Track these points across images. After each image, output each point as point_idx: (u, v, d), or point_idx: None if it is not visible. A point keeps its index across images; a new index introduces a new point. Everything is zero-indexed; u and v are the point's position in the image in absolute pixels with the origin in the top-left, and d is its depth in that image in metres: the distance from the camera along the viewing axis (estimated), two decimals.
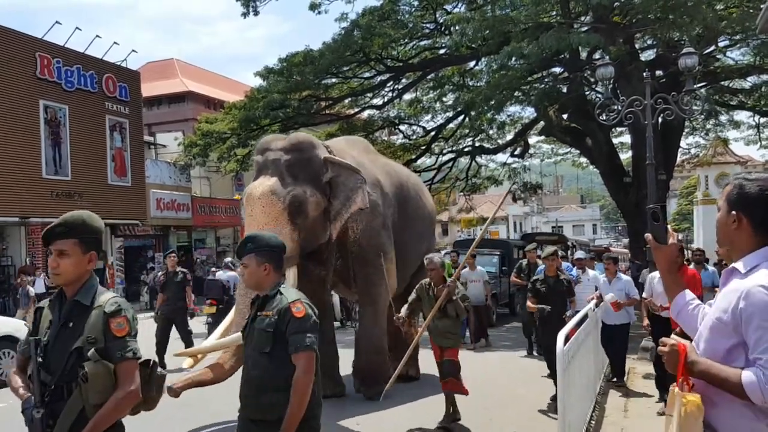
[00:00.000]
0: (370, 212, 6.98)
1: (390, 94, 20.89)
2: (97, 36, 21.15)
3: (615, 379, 8.12)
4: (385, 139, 25.64)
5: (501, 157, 24.83)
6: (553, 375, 6.49)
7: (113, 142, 21.08)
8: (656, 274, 7.12)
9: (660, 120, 12.79)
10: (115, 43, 21.97)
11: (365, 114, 22.31)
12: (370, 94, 20.54)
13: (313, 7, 17.85)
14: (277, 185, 6.23)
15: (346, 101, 20.99)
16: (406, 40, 18.52)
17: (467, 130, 21.53)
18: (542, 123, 20.38)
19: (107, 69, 21.13)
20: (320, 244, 6.72)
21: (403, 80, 20.27)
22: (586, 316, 6.53)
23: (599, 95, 17.18)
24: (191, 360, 5.53)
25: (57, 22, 19.15)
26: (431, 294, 6.11)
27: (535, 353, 10.15)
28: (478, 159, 23.43)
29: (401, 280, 7.94)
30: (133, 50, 23.02)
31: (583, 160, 25.51)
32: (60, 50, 19.68)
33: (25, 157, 18.14)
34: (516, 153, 23.85)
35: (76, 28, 20.60)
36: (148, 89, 27.50)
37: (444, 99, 21.18)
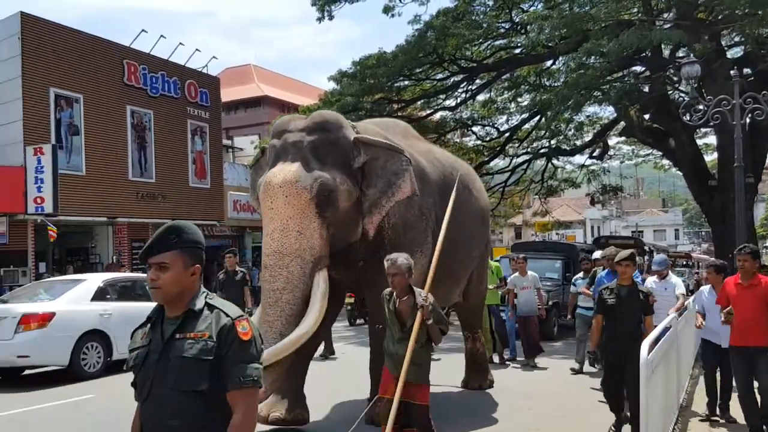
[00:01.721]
0: (405, 203, 5.73)
1: (463, 95, 20.69)
2: (180, 44, 22.07)
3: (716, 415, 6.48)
4: (458, 140, 25.46)
5: (579, 158, 24.28)
6: (615, 411, 5.71)
7: (194, 146, 21.86)
8: (708, 287, 6.53)
9: (748, 120, 12.15)
10: (197, 50, 22.79)
11: (437, 115, 22.14)
12: (442, 96, 20.41)
13: (386, 10, 17.91)
14: (301, 171, 5.12)
15: (419, 103, 20.92)
16: (480, 40, 18.31)
17: (543, 131, 21.11)
18: (622, 123, 19.78)
19: (189, 75, 21.93)
20: (352, 242, 5.56)
21: (477, 81, 20.05)
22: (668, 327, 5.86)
23: (683, 95, 16.50)
24: None
25: (143, 30, 20.22)
26: (392, 307, 4.64)
27: (592, 366, 8.85)
28: (554, 161, 22.96)
29: (444, 290, 6.52)
30: (213, 57, 23.93)
31: (666, 162, 24.61)
32: (146, 57, 20.55)
33: (113, 161, 19.05)
34: (594, 154, 23.23)
35: (161, 36, 21.52)
36: (226, 94, 28.38)
37: (519, 99, 20.84)
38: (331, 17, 18.15)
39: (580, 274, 9.79)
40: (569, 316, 9.92)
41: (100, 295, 9.31)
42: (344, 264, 5.68)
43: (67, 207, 17.07)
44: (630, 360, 5.24)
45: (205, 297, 2.24)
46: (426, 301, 4.44)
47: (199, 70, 22.88)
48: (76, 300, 8.99)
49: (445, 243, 5.98)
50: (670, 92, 17.91)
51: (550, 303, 12.19)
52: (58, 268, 18.06)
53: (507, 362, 9.92)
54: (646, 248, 23.35)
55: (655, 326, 5.53)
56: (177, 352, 2.12)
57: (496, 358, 9.85)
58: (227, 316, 2.16)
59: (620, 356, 5.45)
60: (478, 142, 23.42)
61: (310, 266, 4.99)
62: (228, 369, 2.09)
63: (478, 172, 24.16)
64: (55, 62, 17.82)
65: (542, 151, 22.03)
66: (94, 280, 9.80)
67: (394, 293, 4.63)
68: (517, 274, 10.09)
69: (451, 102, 21.06)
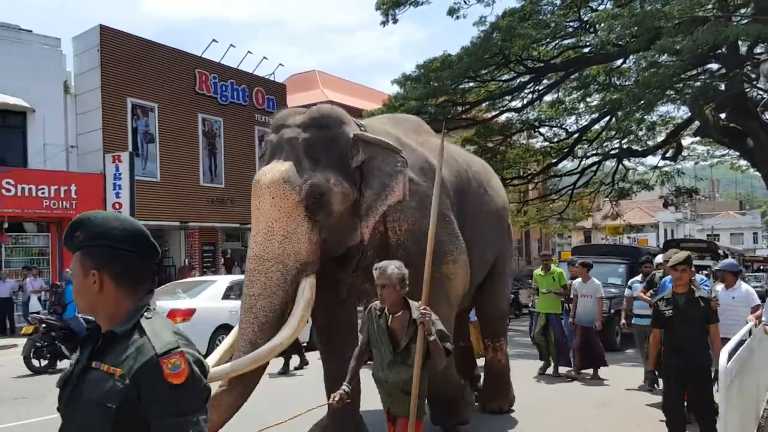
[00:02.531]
0: (417, 206, 5.19)
1: (530, 96, 20.32)
2: (249, 52, 22.62)
3: None
4: (524, 142, 25.08)
5: (651, 159, 23.42)
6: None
7: (261, 151, 22.34)
8: None
9: None
10: (264, 58, 23.40)
11: (503, 117, 21.84)
12: (508, 97, 20.08)
13: (451, 12, 17.82)
14: (291, 171, 4.71)
15: (484, 105, 20.64)
16: (548, 40, 17.93)
17: (614, 132, 20.52)
18: (697, 123, 18.99)
19: (257, 83, 22.46)
20: (350, 247, 5.06)
21: (545, 81, 19.67)
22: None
23: (761, 92, 15.75)
24: None
25: (214, 40, 20.93)
26: (382, 324, 3.98)
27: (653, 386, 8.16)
28: (625, 162, 22.28)
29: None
30: (280, 64, 24.66)
31: (743, 162, 23.48)
32: (216, 67, 21.18)
33: (185, 167, 19.71)
34: (668, 155, 22.39)
35: (231, 45, 22.28)
36: (292, 100, 28.80)
37: (588, 99, 20.31)
38: (395, 21, 18.17)
39: (638, 277, 9.02)
40: (623, 322, 9.18)
41: (228, 293, 10.91)
42: (343, 269, 5.22)
43: (142, 212, 17.76)
44: (694, 379, 4.91)
45: (141, 315, 1.65)
46: (426, 314, 3.73)
47: (267, 77, 23.40)
48: (210, 298, 10.75)
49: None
50: (748, 90, 17.08)
51: (612, 311, 11.41)
52: None
53: (563, 374, 9.39)
54: (720, 252, 21.88)
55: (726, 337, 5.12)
56: (86, 388, 1.59)
57: (550, 370, 9.51)
58: (153, 349, 1.55)
59: (682, 373, 5.00)
60: (546, 143, 22.94)
61: (293, 273, 4.52)
62: (155, 426, 1.52)
63: (546, 174, 23.90)
64: (132, 73, 18.59)
65: (613, 152, 21.41)
66: (223, 281, 11.52)
67: (385, 308, 3.96)
68: (579, 280, 9.49)
69: (517, 103, 20.71)
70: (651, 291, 7.98)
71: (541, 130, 22.45)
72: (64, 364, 10.24)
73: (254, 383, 4.35)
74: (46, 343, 10.36)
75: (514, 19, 16.72)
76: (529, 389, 8.31)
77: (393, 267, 3.88)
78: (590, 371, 9.23)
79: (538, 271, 10.05)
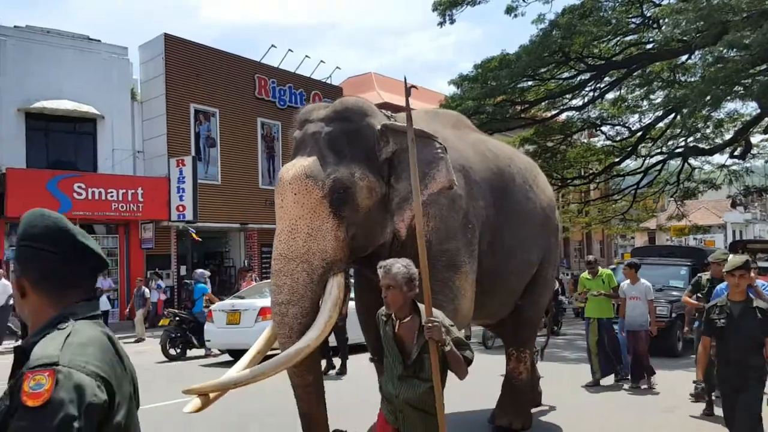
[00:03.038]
0: (447, 205, 4.91)
1: (591, 94, 19.95)
2: (306, 56, 23.12)
3: None
4: (585, 141, 24.59)
5: (718, 158, 22.60)
6: None
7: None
8: None
9: None
10: (321, 61, 23.84)
11: (563, 116, 21.52)
12: (568, 96, 19.76)
13: (509, 10, 17.66)
14: (314, 166, 4.49)
15: (543, 104, 20.36)
16: (609, 37, 17.58)
17: (679, 130, 19.87)
18: (767, 120, 18.28)
19: (314, 86, 22.76)
20: (380, 245, 4.74)
21: (606, 79, 19.26)
22: None
23: None
24: (198, 401, 3.84)
25: (273, 45, 21.35)
26: (389, 331, 3.48)
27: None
28: (691, 161, 21.59)
29: (496, 302, 5.82)
30: (337, 67, 24.84)
31: None
32: (275, 71, 21.58)
33: (245, 170, 20.17)
34: (736, 153, 21.57)
35: (289, 50, 22.50)
36: None
37: (652, 97, 19.71)
38: (452, 21, 18.14)
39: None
40: (686, 329, 8.35)
41: None
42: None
43: (204, 214, 18.24)
44: (743, 396, 4.52)
45: (55, 327, 1.44)
46: (434, 323, 3.17)
47: (324, 81, 23.70)
48: None
49: (494, 249, 5.36)
50: None
51: (674, 315, 10.73)
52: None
53: (619, 382, 8.87)
54: None
55: None
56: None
57: (610, 379, 8.94)
58: (27, 363, 1.35)
59: (733, 387, 4.61)
60: (608, 142, 22.49)
61: (320, 272, 4.30)
62: None
63: (608, 173, 23.36)
64: (195, 79, 19.11)
65: (678, 150, 20.77)
66: None
67: (392, 314, 3.44)
68: (627, 282, 8.82)
69: (578, 101, 20.36)
70: (697, 294, 7.47)
71: (603, 128, 22.00)
72: (193, 352, 12.07)
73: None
74: (179, 334, 11.92)
75: (574, 16, 16.48)
76: (582, 396, 8.13)
77: (399, 265, 3.37)
78: (645, 381, 8.55)
79: (584, 274, 9.57)
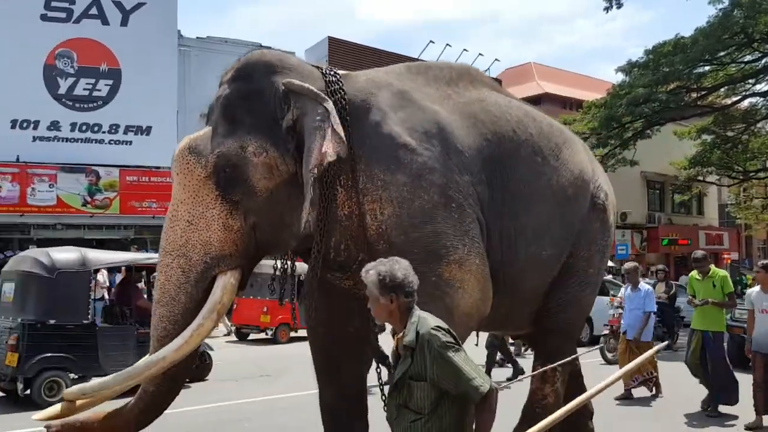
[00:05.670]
0: (408, 182, 3.67)
1: None
2: (464, 50, 24.39)
3: None
4: None
5: None
6: None
7: None
8: None
9: None
10: (480, 54, 24.65)
11: (745, 103, 19.79)
12: (752, 80, 18.20)
13: None
14: (201, 139, 3.61)
15: (722, 90, 18.87)
16: None
17: None
18: None
19: None
20: (305, 237, 3.62)
21: None
22: None
23: None
24: (57, 407, 3.44)
25: (431, 41, 18.62)
26: (394, 347, 2.73)
27: None
28: None
29: (504, 309, 4.26)
30: (495, 59, 25.63)
31: None
32: None
33: None
34: None
35: (447, 44, 21.98)
36: None
37: None
38: (619, 6, 17.46)
39: None
40: None
41: None
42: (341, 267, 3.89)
43: None
44: None
45: None
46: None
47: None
48: None
49: (497, 238, 4.10)
50: None
51: None
52: None
53: (708, 409, 7.04)
54: None
55: None
56: None
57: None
58: None
59: None
60: None
61: (200, 269, 3.48)
62: None
63: None
64: None
65: None
66: None
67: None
68: (757, 289, 6.60)
69: (762, 86, 18.64)
70: None
71: None
72: None
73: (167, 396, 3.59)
74: None
75: None
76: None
77: (373, 271, 2.61)
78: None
79: (693, 274, 7.37)
